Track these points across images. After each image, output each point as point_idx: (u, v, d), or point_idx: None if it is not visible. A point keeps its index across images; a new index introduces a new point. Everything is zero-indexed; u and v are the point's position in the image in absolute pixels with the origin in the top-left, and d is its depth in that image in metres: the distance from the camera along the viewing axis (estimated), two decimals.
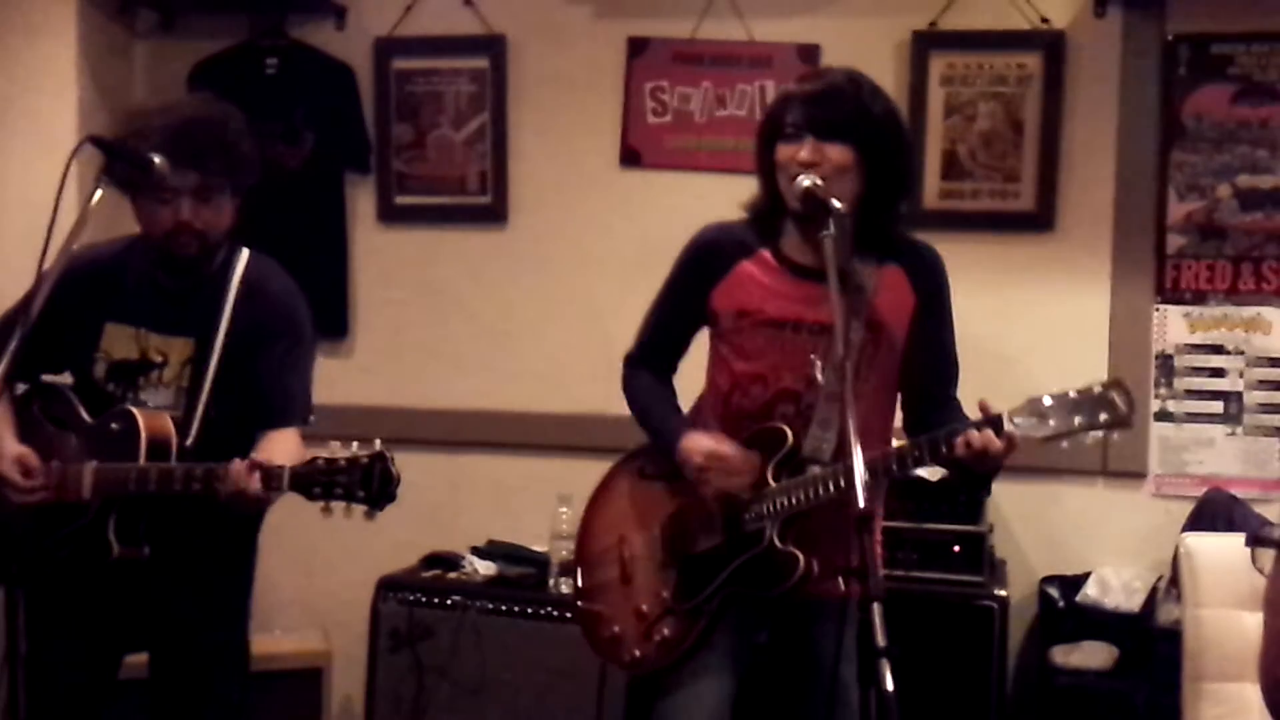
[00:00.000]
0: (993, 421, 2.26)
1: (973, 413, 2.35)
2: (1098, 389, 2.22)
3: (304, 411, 2.65)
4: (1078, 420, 2.22)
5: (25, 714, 2.68)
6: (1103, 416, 2.21)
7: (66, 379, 2.71)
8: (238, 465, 2.35)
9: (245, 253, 2.70)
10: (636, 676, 2.98)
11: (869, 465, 2.24)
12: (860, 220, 2.41)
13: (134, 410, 2.53)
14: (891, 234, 2.54)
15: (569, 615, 3.54)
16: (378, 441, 2.23)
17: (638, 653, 2.58)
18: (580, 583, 2.71)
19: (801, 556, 2.42)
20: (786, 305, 2.51)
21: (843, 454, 2.37)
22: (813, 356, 2.46)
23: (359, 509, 2.29)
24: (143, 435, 2.49)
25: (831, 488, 2.38)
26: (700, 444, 2.51)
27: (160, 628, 2.70)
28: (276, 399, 2.59)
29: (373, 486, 2.21)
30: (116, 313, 2.63)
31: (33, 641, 2.69)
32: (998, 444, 2.25)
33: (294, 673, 3.83)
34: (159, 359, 2.62)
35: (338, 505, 2.28)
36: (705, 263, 2.59)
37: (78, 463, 2.55)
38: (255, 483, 2.32)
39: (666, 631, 2.54)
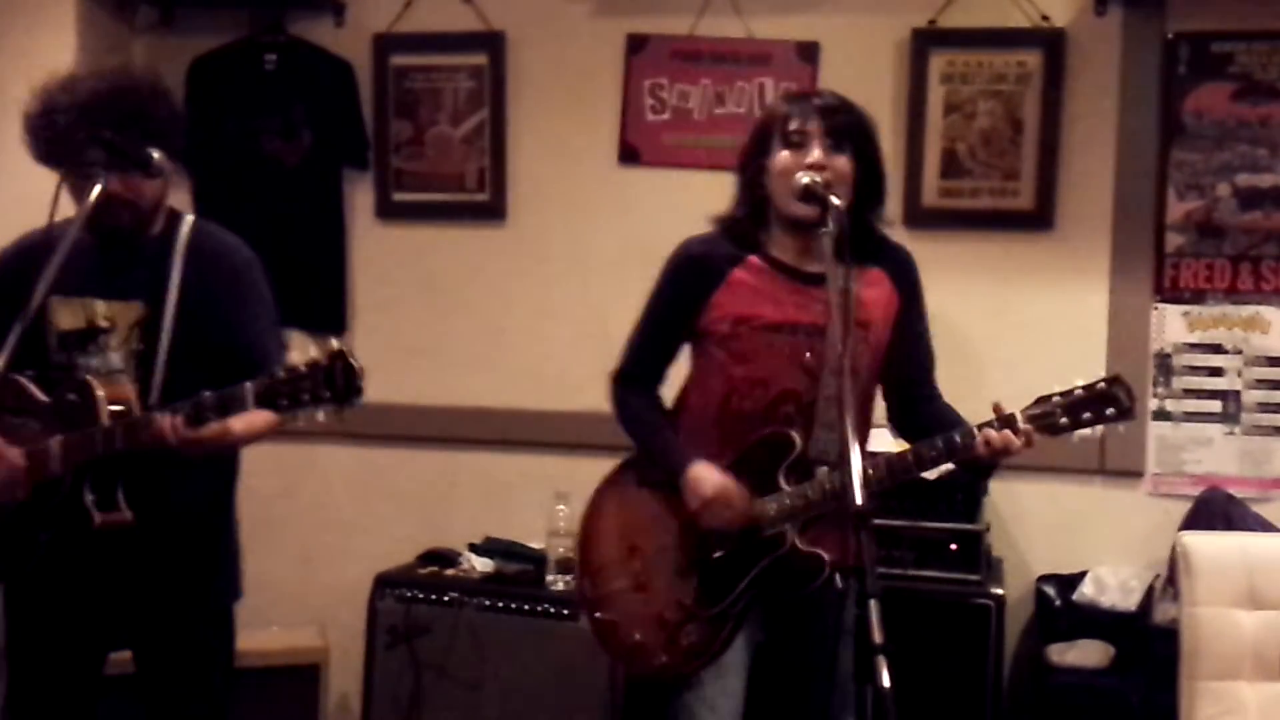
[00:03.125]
0: (1007, 420, 2.39)
1: (957, 404, 2.53)
2: (1101, 385, 2.39)
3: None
4: (1085, 415, 2.38)
5: (9, 713, 2.66)
6: (1109, 410, 2.38)
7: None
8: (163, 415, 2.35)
9: (190, 218, 2.68)
10: (637, 676, 3.00)
11: (891, 465, 2.43)
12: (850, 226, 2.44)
13: (88, 379, 2.50)
14: (871, 238, 2.61)
15: (565, 612, 3.56)
16: (334, 340, 2.19)
17: (665, 658, 2.60)
18: (589, 593, 2.71)
19: (826, 556, 2.50)
20: (782, 309, 2.55)
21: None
22: (808, 355, 2.52)
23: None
24: (100, 399, 2.45)
25: (840, 487, 2.40)
26: (710, 477, 2.54)
27: (141, 618, 2.66)
28: (255, 354, 2.53)
29: (337, 384, 2.16)
30: (60, 287, 2.55)
31: (16, 640, 2.66)
32: (1018, 443, 2.38)
33: (291, 669, 3.83)
34: (106, 325, 2.59)
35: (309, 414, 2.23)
36: (697, 275, 2.61)
37: (42, 441, 2.50)
38: (168, 425, 2.31)
39: (693, 637, 2.58)
